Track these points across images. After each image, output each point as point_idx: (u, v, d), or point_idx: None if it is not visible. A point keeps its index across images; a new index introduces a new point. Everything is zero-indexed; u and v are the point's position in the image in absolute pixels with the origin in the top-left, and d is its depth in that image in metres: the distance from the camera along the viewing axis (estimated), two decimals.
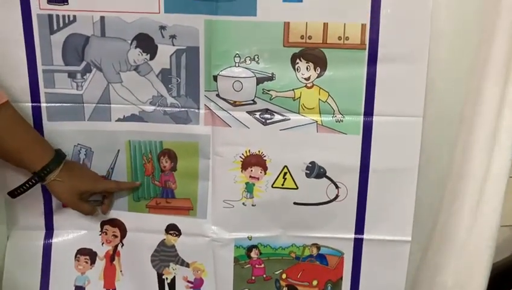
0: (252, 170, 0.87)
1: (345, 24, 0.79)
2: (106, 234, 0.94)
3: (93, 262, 0.95)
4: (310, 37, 0.80)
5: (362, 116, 0.83)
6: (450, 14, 0.78)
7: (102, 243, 0.94)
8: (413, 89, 0.81)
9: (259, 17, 0.79)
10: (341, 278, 0.91)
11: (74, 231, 0.94)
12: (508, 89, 0.79)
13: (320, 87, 0.82)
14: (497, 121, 0.80)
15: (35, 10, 0.81)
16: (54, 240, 0.93)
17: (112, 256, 0.95)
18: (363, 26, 0.79)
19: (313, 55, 0.81)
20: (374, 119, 0.82)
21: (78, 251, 0.94)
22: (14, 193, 0.83)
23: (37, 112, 0.86)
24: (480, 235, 0.83)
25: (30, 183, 0.82)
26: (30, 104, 0.86)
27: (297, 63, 0.82)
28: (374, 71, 0.81)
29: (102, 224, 0.94)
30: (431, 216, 0.87)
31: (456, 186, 0.84)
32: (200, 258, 0.93)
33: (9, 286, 0.92)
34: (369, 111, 0.82)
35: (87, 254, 0.95)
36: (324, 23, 0.80)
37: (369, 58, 0.80)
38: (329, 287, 0.91)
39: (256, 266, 0.93)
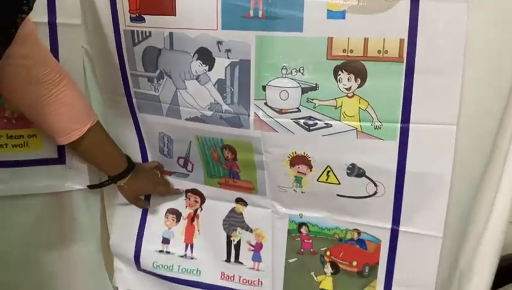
0: (299, 167, 0.96)
1: (384, 39, 0.83)
2: (189, 199, 1.16)
3: (178, 220, 1.17)
4: (351, 51, 0.85)
5: (399, 124, 0.86)
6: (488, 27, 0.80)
7: (186, 206, 1.16)
8: (448, 98, 0.83)
9: (305, 33, 0.86)
10: (377, 263, 0.97)
11: None
12: None
13: (360, 97, 0.87)
14: None
15: (122, 27, 0.97)
16: (151, 200, 1.18)
17: (193, 217, 1.16)
18: (401, 41, 0.82)
19: (354, 67, 0.86)
20: (410, 126, 0.86)
21: (167, 210, 1.18)
22: (92, 186, 1.10)
23: (131, 104, 1.07)
24: (492, 230, 0.83)
25: (106, 183, 1.08)
26: (125, 98, 1.06)
27: (339, 74, 0.87)
28: (411, 82, 0.84)
29: (187, 191, 1.15)
30: (464, 218, 0.90)
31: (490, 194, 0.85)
32: (261, 226, 1.08)
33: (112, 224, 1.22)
34: (405, 119, 0.86)
35: (174, 213, 1.17)
36: (365, 38, 0.84)
37: (406, 70, 0.84)
38: (366, 270, 0.99)
39: (305, 240, 1.04)
